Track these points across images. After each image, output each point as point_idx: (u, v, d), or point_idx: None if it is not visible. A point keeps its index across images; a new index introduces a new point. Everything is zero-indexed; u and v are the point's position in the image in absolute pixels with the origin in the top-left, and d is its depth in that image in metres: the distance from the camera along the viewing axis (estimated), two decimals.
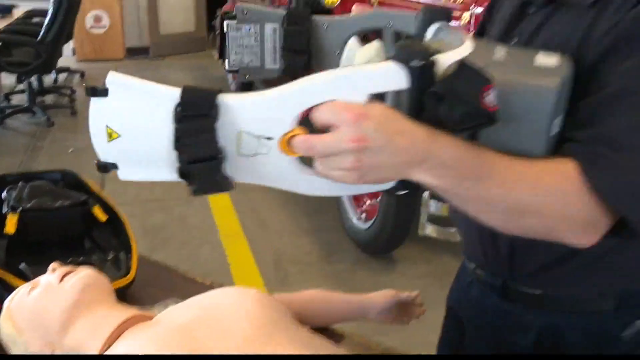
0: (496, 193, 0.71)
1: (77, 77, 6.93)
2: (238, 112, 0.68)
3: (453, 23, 2.73)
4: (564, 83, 0.72)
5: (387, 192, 0.75)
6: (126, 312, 0.90)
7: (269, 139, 0.68)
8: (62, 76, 6.82)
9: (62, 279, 0.93)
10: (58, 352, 0.89)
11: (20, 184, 1.48)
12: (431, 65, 0.65)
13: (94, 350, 0.84)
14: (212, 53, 6.66)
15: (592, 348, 0.94)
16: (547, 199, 0.72)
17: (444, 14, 0.86)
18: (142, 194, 3.85)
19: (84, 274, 0.95)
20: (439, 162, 0.67)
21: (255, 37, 0.95)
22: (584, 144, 0.73)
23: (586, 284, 0.92)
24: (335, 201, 3.29)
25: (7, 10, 6.09)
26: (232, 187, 0.71)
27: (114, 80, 0.69)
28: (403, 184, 0.72)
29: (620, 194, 0.71)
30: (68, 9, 5.21)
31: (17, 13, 6.24)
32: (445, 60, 0.67)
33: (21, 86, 6.15)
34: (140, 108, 0.69)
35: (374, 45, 0.82)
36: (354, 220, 3.13)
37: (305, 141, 0.66)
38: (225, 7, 5.91)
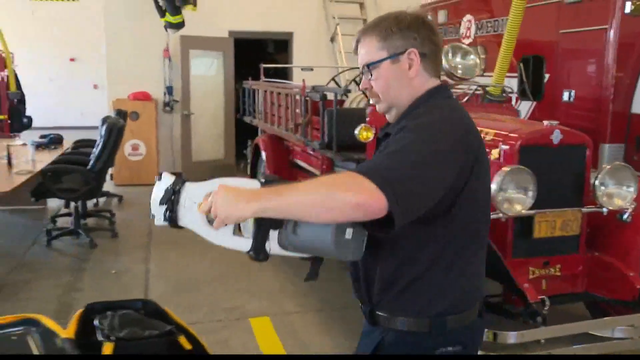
0: (313, 188, 1.28)
1: (115, 200, 7.33)
2: (188, 190, 1.44)
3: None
4: None
5: (248, 254, 1.38)
6: None
7: (195, 202, 1.41)
8: (102, 200, 7.23)
9: None
10: None
11: (109, 312, 1.65)
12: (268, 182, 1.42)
13: None
14: None
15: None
16: (347, 180, 1.28)
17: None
18: (183, 317, 4.00)
19: None
20: (260, 193, 1.33)
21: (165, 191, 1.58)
22: (360, 167, 1.32)
23: (404, 308, 1.46)
24: None
25: (59, 141, 6.61)
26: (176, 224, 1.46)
27: (163, 173, 1.51)
28: (254, 249, 1.37)
29: (378, 180, 1.24)
30: (116, 139, 5.68)
31: (67, 143, 6.76)
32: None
33: (64, 209, 6.55)
34: (164, 183, 1.48)
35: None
36: None
37: (202, 204, 1.37)
38: (256, 141, 6.38)
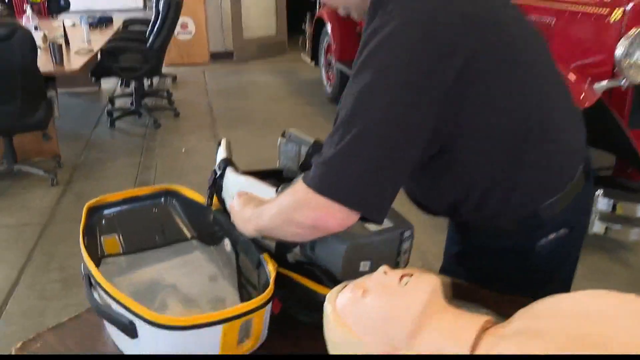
0: (272, 213, 1.12)
1: (168, 80, 7.18)
2: (228, 178, 1.37)
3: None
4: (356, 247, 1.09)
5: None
6: (477, 316, 0.86)
7: (230, 197, 1.32)
8: (155, 80, 7.09)
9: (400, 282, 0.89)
10: (403, 352, 0.85)
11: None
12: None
13: (461, 353, 0.81)
14: (302, 56, 6.79)
15: (512, 256, 1.26)
16: (298, 200, 1.05)
17: None
18: None
19: (427, 276, 0.89)
20: (251, 215, 1.17)
21: (295, 153, 1.43)
22: (309, 175, 1.04)
23: (483, 223, 1.25)
24: None
25: (109, 20, 6.36)
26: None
27: (222, 140, 1.47)
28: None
29: (321, 185, 1.00)
30: (175, 15, 5.41)
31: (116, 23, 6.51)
32: None
33: (119, 90, 6.45)
34: (220, 152, 1.44)
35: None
36: None
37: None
38: (319, 13, 6.03)
